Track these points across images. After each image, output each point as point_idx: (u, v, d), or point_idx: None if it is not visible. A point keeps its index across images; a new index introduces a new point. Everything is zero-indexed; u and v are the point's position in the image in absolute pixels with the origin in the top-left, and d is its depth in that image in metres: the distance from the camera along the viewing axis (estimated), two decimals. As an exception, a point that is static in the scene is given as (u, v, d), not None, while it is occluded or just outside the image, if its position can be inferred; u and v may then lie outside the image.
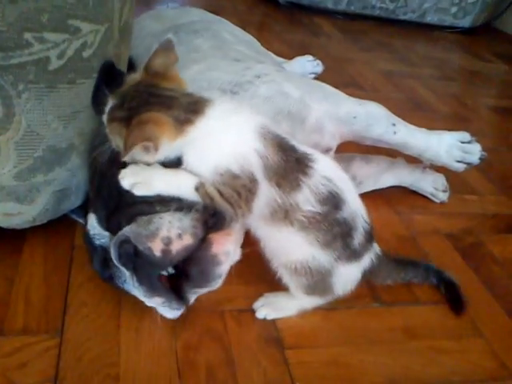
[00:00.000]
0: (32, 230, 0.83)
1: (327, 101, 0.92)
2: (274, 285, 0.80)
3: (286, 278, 0.74)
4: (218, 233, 0.70)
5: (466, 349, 0.79)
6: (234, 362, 0.71)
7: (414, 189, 1.15)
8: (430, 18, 2.52)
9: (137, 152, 0.60)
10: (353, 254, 0.71)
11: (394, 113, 1.00)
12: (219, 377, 0.69)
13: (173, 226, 0.66)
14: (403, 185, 1.15)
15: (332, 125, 0.90)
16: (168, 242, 0.66)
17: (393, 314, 0.84)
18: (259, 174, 0.62)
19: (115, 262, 0.67)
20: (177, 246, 0.66)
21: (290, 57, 1.69)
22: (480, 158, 1.03)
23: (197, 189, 0.63)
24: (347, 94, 0.99)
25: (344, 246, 0.69)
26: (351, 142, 1.01)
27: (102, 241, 0.72)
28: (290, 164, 0.64)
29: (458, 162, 1.02)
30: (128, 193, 0.64)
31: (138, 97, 0.62)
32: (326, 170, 0.67)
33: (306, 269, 0.70)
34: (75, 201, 0.85)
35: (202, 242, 0.69)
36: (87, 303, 0.76)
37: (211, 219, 0.69)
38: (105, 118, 0.64)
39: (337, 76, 1.76)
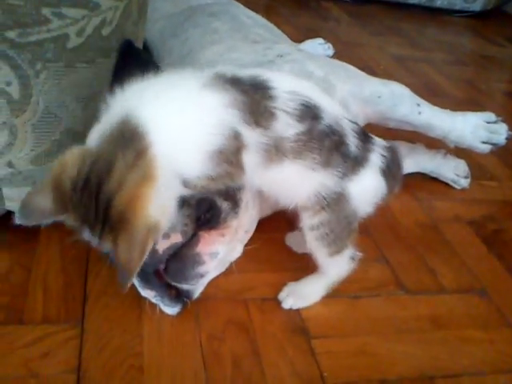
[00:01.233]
0: (48, 217, 0.80)
1: (351, 80, 0.89)
2: (297, 272, 0.79)
3: (309, 238, 0.67)
4: (210, 232, 0.67)
5: (494, 338, 0.77)
6: (259, 353, 0.69)
7: (434, 175, 1.13)
8: (440, 2, 2.47)
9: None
10: (356, 162, 0.63)
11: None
12: (245, 368, 0.66)
13: None
14: (423, 171, 1.12)
15: (356, 105, 0.87)
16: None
17: (418, 302, 0.81)
18: (240, 126, 0.55)
19: None
20: (163, 246, 0.64)
21: (298, 41, 1.65)
22: (507, 138, 0.99)
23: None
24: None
25: (343, 158, 0.62)
26: (371, 126, 0.98)
27: None
28: (252, 96, 0.56)
29: (484, 143, 0.99)
30: None
31: (81, 194, 0.51)
32: (285, 84, 0.59)
33: (321, 202, 0.62)
34: (91, 186, 0.82)
35: (190, 239, 0.65)
36: (107, 291, 0.73)
37: (205, 215, 0.66)
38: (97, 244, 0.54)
39: (348, 60, 1.69)
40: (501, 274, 0.90)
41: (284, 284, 0.78)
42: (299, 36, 1.75)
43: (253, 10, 1.32)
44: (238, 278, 0.78)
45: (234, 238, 0.72)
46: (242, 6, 1.26)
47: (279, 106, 0.57)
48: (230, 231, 0.70)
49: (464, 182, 1.11)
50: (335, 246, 0.68)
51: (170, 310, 0.70)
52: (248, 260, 0.80)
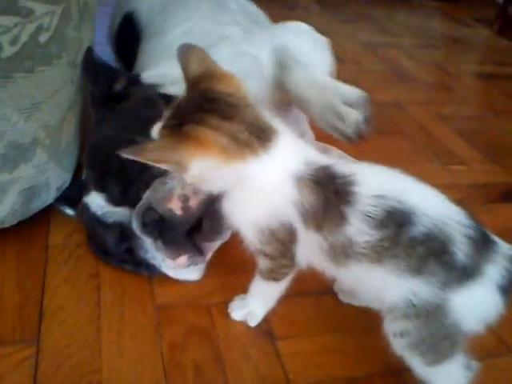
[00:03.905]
0: (2, 233, 0.78)
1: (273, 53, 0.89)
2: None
3: (395, 344, 0.60)
4: None
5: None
6: (222, 358, 0.67)
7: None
8: (410, -15, 2.46)
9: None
10: (464, 272, 0.55)
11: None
12: (208, 375, 0.65)
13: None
14: None
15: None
16: (185, 198, 0.66)
17: (386, 295, 0.80)
18: (298, 223, 0.57)
19: (138, 232, 0.68)
20: (195, 201, 0.67)
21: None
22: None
23: None
24: (327, 68, 0.94)
25: (445, 267, 0.54)
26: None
27: (116, 216, 0.72)
28: (328, 200, 0.55)
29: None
30: (135, 162, 0.56)
31: (190, 102, 0.55)
32: (373, 186, 0.55)
33: (409, 310, 0.56)
34: (46, 198, 0.80)
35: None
36: (64, 307, 0.71)
37: None
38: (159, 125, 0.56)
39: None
40: (470, 260, 0.90)
41: (245, 286, 0.76)
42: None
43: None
44: (198, 283, 0.77)
45: None
46: None
47: (354, 212, 0.55)
48: None
49: (355, 115, 0.75)
50: (431, 355, 0.59)
51: (195, 274, 0.74)
52: (207, 264, 0.79)
